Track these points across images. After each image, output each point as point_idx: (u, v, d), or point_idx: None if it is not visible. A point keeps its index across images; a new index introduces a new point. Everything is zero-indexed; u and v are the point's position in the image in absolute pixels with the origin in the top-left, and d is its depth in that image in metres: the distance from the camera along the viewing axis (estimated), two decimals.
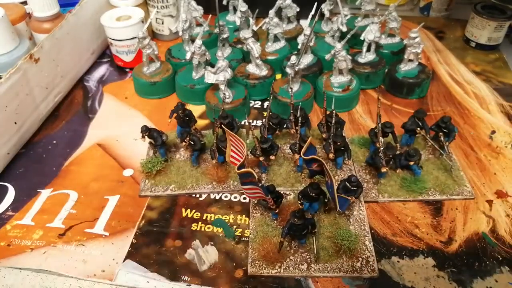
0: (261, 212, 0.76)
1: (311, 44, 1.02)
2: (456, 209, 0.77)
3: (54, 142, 0.93)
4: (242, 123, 0.94)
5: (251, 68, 1.03)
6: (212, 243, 0.72)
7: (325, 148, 0.81)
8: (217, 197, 0.80)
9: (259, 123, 0.97)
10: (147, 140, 0.84)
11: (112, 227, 0.75)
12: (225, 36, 1.07)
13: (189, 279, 0.67)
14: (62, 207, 0.79)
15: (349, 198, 0.72)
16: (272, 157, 0.81)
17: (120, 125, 0.97)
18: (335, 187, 0.70)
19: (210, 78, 0.93)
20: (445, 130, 0.83)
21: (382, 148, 0.78)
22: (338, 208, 0.70)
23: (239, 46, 1.12)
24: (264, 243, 0.71)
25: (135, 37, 1.00)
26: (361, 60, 1.05)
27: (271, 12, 1.05)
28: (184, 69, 1.05)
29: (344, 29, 1.05)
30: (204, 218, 0.76)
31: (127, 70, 1.15)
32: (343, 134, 0.86)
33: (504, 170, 0.84)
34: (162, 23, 1.22)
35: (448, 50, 1.20)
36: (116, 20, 1.09)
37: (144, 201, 0.80)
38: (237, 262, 0.69)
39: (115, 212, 0.78)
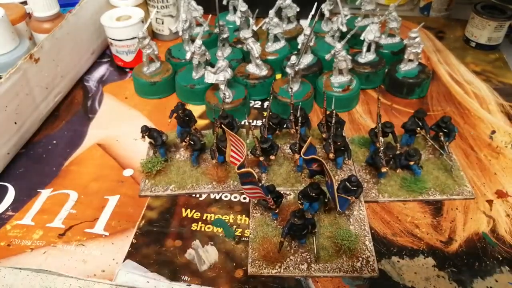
0: (261, 212, 0.76)
1: (311, 44, 1.02)
2: (456, 209, 0.77)
3: (54, 142, 0.93)
4: (242, 123, 0.94)
5: (251, 68, 1.03)
6: (212, 243, 0.72)
7: (325, 148, 0.81)
8: (217, 197, 0.80)
9: (259, 123, 0.97)
10: (147, 140, 0.84)
11: (112, 227, 0.75)
12: (225, 36, 1.07)
13: (189, 279, 0.67)
14: (62, 207, 0.79)
15: (349, 198, 0.72)
16: (272, 157, 0.81)
17: (120, 125, 0.97)
18: (335, 187, 0.70)
19: (210, 78, 0.93)
20: (445, 130, 0.83)
21: (382, 148, 0.78)
22: (338, 208, 0.70)
23: (239, 46, 1.12)
24: (264, 243, 0.71)
25: (135, 37, 1.00)
26: (361, 60, 1.05)
27: (271, 12, 1.05)
28: (184, 69, 1.05)
29: (344, 29, 1.05)
30: (204, 218, 0.76)
31: (127, 70, 1.15)
32: (343, 134, 0.86)
33: (504, 170, 0.84)
34: (162, 23, 1.22)
35: (448, 50, 1.20)
36: (116, 20, 1.09)
37: (144, 201, 0.80)
38: (237, 262, 0.69)
39: (115, 212, 0.78)
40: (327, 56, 0.98)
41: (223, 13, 1.23)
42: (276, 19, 1.05)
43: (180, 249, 0.71)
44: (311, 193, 0.71)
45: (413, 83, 1.00)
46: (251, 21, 1.10)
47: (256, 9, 1.12)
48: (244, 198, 0.80)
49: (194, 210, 0.78)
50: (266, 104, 1.02)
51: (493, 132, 0.92)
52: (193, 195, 0.80)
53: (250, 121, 0.97)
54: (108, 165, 0.87)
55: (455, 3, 1.34)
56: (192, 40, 1.06)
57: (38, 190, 0.82)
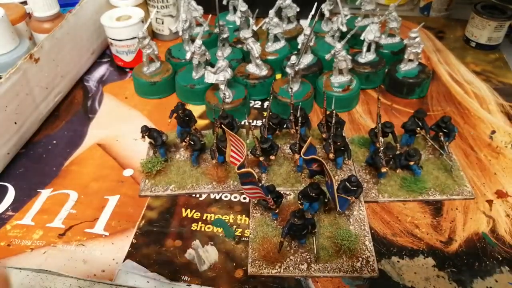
0: (261, 212, 0.76)
1: (311, 44, 1.02)
2: (456, 209, 0.77)
3: (54, 142, 0.93)
4: (242, 123, 0.94)
5: (251, 68, 1.03)
6: (212, 243, 0.72)
7: (325, 148, 0.81)
8: (217, 197, 0.80)
9: (259, 123, 0.97)
10: (147, 140, 0.84)
11: (112, 227, 0.75)
12: (225, 36, 1.07)
13: (189, 279, 0.67)
14: (62, 207, 0.79)
15: (349, 198, 0.72)
16: (272, 157, 0.81)
17: (120, 125, 0.97)
18: (335, 187, 0.70)
19: (210, 78, 0.93)
20: (445, 130, 0.83)
21: (382, 148, 0.78)
22: (338, 208, 0.70)
23: (239, 46, 1.12)
24: (264, 243, 0.71)
25: (135, 37, 1.00)
26: (361, 60, 1.05)
27: (271, 12, 1.05)
28: (184, 69, 1.05)
29: (344, 29, 1.05)
30: (204, 218, 0.76)
31: (127, 70, 1.15)
32: (343, 134, 0.86)
33: (504, 170, 0.84)
34: (162, 23, 1.22)
35: (448, 50, 1.20)
36: (116, 20, 1.09)
37: (144, 201, 0.80)
38: (237, 262, 0.69)
39: (115, 212, 0.78)
40: (327, 56, 0.98)
41: (223, 13, 1.23)
42: (276, 19, 1.05)
43: (180, 249, 0.71)
44: (311, 193, 0.71)
45: (413, 83, 1.00)
46: (251, 21, 1.10)
47: (256, 9, 1.12)
48: (244, 198, 0.80)
49: (194, 210, 0.78)
50: (266, 104, 1.02)
51: (493, 132, 0.92)
52: (193, 195, 0.80)
53: (250, 121, 0.97)
54: (108, 165, 0.87)
55: (455, 3, 1.34)
56: (192, 40, 1.06)
57: (38, 190, 0.82)
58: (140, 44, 0.99)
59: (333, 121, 0.82)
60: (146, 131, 0.83)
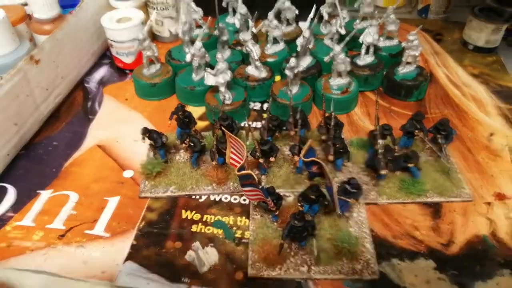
0: (261, 214, 0.77)
1: (310, 46, 1.03)
2: (455, 211, 0.77)
3: (54, 143, 0.93)
4: (242, 124, 0.94)
5: (250, 70, 1.03)
6: (212, 244, 0.72)
7: (324, 150, 0.82)
8: (217, 199, 0.80)
9: (258, 125, 0.97)
10: (147, 141, 0.84)
11: (112, 228, 0.75)
12: (224, 38, 1.07)
13: (189, 281, 0.67)
14: (62, 208, 0.79)
15: (348, 200, 0.72)
16: (272, 159, 0.81)
17: (120, 126, 0.97)
18: (335, 189, 0.71)
19: (210, 80, 0.93)
20: (443, 133, 0.84)
21: (381, 150, 0.78)
22: (338, 210, 0.71)
23: (239, 48, 1.13)
24: (264, 245, 0.71)
25: (135, 39, 1.00)
26: (360, 62, 1.06)
27: (270, 14, 1.06)
28: (184, 71, 1.06)
29: (343, 31, 1.05)
30: (204, 219, 0.77)
31: (127, 71, 1.15)
32: (342, 136, 0.87)
33: (502, 172, 0.84)
34: (162, 24, 1.23)
35: (446, 53, 1.21)
36: (117, 22, 1.09)
37: (144, 203, 0.80)
38: (237, 264, 0.69)
39: (115, 213, 0.78)
40: (326, 59, 0.98)
41: (223, 15, 1.23)
42: (275, 21, 1.06)
43: (180, 250, 0.72)
44: (311, 195, 0.71)
45: (411, 85, 1.01)
46: (251, 23, 1.10)
47: (256, 11, 1.12)
48: (244, 200, 0.80)
49: (194, 212, 0.78)
50: (265, 106, 1.02)
51: (491, 134, 0.93)
52: (193, 197, 0.81)
53: (250, 123, 0.98)
54: (108, 166, 0.87)
55: (453, 6, 1.35)
56: (192, 42, 1.06)
57: (38, 191, 0.82)
58: (140, 46, 0.99)
59: (332, 123, 0.82)
60: (146, 132, 0.83)
